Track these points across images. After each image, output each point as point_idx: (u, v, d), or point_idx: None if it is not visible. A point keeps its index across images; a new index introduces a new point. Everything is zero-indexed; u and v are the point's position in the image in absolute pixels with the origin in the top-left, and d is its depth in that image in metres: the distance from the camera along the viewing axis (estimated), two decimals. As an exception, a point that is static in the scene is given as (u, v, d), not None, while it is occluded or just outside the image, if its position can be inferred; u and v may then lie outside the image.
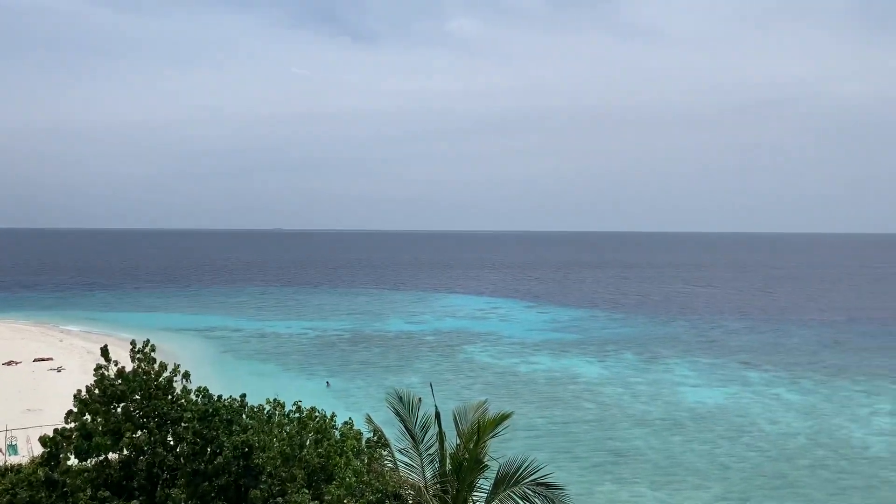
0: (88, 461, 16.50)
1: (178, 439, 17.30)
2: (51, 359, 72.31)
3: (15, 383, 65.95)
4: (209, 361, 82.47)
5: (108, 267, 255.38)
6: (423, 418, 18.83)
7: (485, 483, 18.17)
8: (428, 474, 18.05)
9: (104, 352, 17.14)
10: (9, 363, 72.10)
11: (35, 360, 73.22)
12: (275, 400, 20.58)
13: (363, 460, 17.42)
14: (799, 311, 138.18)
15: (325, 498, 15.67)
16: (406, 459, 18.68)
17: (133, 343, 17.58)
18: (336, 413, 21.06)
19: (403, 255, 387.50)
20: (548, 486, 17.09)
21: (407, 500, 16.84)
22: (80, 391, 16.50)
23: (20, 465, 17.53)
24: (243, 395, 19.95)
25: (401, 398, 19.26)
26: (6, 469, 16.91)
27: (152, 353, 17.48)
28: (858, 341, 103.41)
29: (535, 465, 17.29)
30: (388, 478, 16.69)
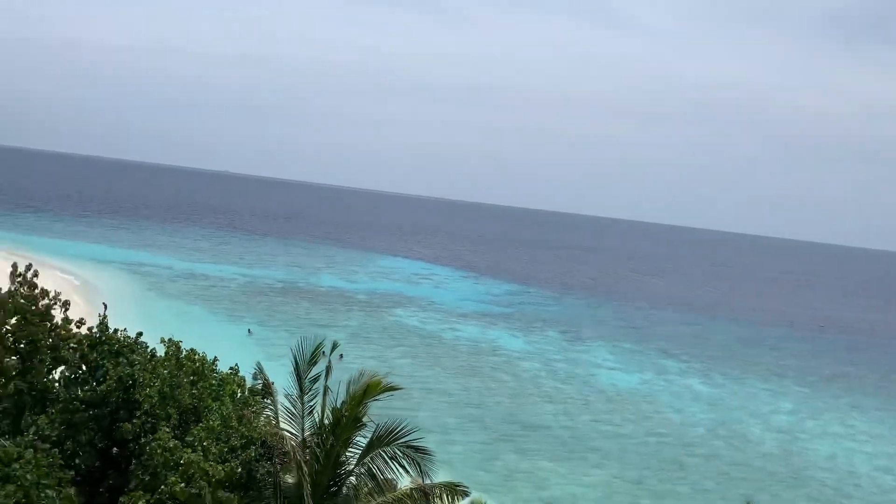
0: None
1: (62, 362, 17.09)
2: None
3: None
4: (132, 297, 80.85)
5: (33, 189, 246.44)
6: (315, 372, 18.89)
7: (361, 440, 18.53)
8: (307, 425, 18.23)
9: (-20, 271, 16.67)
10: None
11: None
12: (170, 339, 20.42)
13: (238, 406, 17.47)
14: (730, 308, 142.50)
15: (187, 438, 15.69)
16: (291, 408, 18.84)
17: (14, 266, 17.16)
18: (260, 361, 21.02)
19: (348, 214, 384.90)
20: (416, 448, 17.54)
21: (273, 449, 16.99)
22: (-55, 309, 16.06)
23: None
24: (139, 333, 19.73)
25: (303, 347, 18.87)
26: None
27: (34, 279, 17.07)
28: (775, 342, 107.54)
29: (407, 428, 17.68)
30: (254, 425, 16.79)
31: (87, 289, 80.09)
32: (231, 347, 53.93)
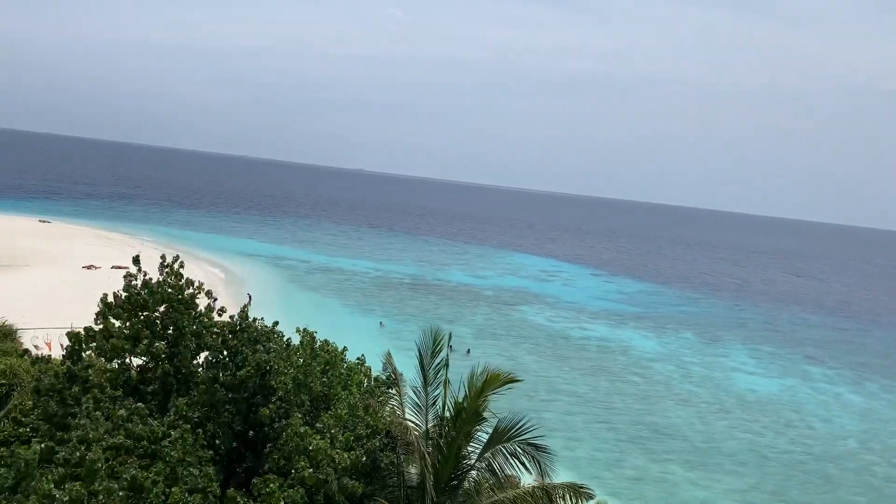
0: (114, 363, 17.57)
1: (206, 348, 18.17)
2: (126, 267, 76.23)
3: (92, 285, 69.97)
4: (274, 288, 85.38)
5: (189, 187, 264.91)
6: (438, 363, 18.98)
7: (483, 435, 18.50)
8: (430, 416, 18.43)
9: (136, 261, 18.06)
10: (89, 266, 76.45)
11: (112, 267, 77.25)
12: (304, 329, 21.33)
13: (365, 395, 17.92)
14: (891, 313, 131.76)
15: (317, 425, 16.25)
16: (415, 399, 19.13)
17: (163, 257, 18.45)
18: (390, 351, 21.54)
19: (478, 209, 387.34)
20: (536, 447, 17.30)
21: (398, 440, 17.28)
22: (106, 295, 17.51)
23: (50, 356, 18.84)
24: (276, 323, 20.71)
25: (435, 336, 18.83)
26: (38, 359, 18.20)
27: (181, 269, 18.26)
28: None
29: (528, 425, 17.46)
30: (380, 415, 17.13)
31: (234, 280, 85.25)
32: (363, 339, 55.66)
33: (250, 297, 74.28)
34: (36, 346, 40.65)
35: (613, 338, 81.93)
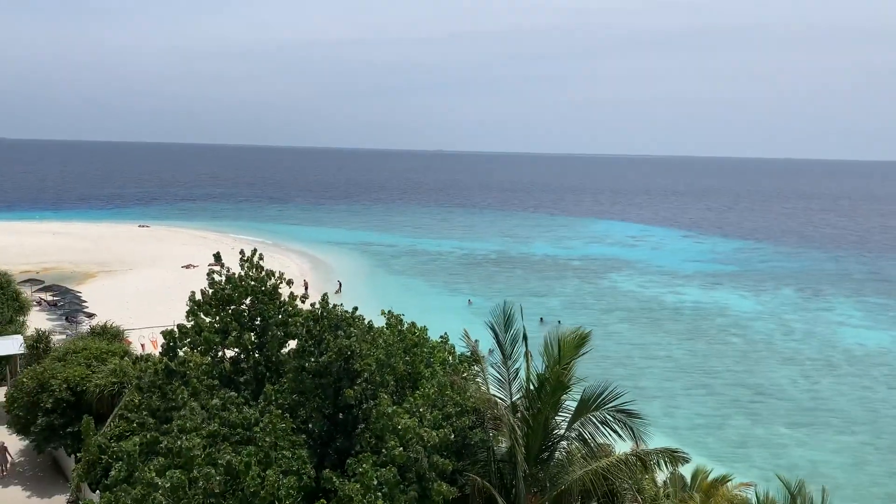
0: (207, 356, 18.38)
1: (292, 337, 18.75)
2: (197, 266, 79.19)
3: (190, 284, 73.28)
4: (363, 274, 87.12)
5: (277, 182, 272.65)
6: (513, 333, 18.84)
7: (571, 405, 18.28)
8: (514, 389, 18.41)
9: (217, 258, 18.73)
10: (187, 266, 79.95)
11: (210, 265, 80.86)
12: (389, 311, 21.69)
13: (449, 373, 18.05)
14: None
15: (404, 405, 16.50)
16: (497, 375, 19.15)
17: (241, 252, 19.07)
18: (466, 329, 21.48)
19: (562, 179, 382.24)
20: (628, 413, 16.96)
21: (485, 415, 17.34)
22: (193, 293, 18.26)
23: (151, 354, 19.87)
24: (355, 308, 21.12)
25: (505, 310, 18.70)
26: (139, 357, 19.22)
27: (260, 262, 18.83)
28: None
29: (617, 392, 17.14)
30: (468, 393, 17.20)
31: (324, 268, 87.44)
32: (452, 318, 56.17)
33: (340, 283, 76.05)
34: (143, 346, 42.88)
35: (708, 299, 79.56)
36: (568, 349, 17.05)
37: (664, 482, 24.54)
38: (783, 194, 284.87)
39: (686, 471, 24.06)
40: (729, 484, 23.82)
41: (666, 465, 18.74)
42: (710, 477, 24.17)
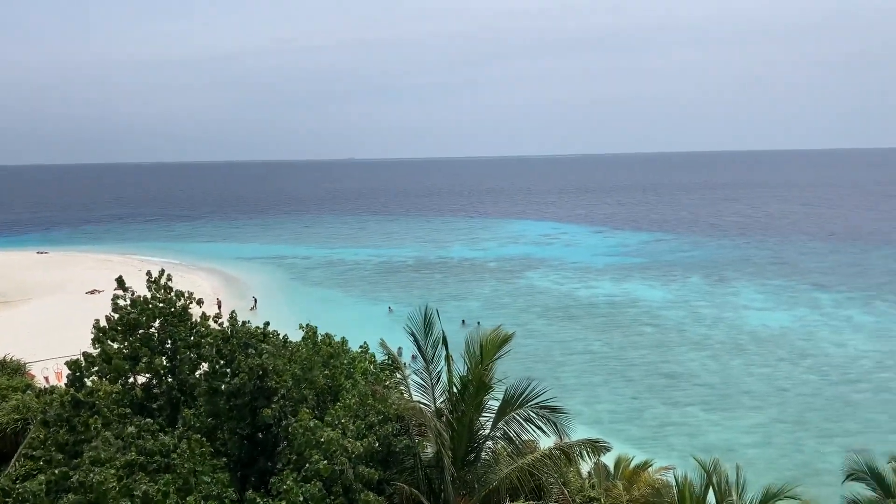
0: (117, 384, 17.61)
1: (203, 358, 18.16)
2: (101, 291, 76.20)
3: (95, 311, 70.16)
4: (278, 288, 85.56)
5: (186, 199, 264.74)
6: (433, 338, 18.84)
7: (495, 405, 18.44)
8: (437, 394, 18.42)
9: (119, 282, 18.02)
10: (91, 292, 76.54)
11: (116, 290, 77.55)
12: (307, 325, 21.31)
13: (371, 383, 17.92)
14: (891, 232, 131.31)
15: (326, 418, 16.29)
16: (420, 381, 19.11)
17: (148, 273, 18.42)
18: (383, 337, 21.32)
19: (472, 182, 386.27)
20: (551, 408, 17.26)
21: (409, 422, 17.29)
22: (98, 320, 17.49)
23: (56, 386, 18.89)
24: (267, 323, 20.64)
25: (424, 315, 18.67)
26: (43, 391, 18.26)
27: (168, 283, 18.23)
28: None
29: (539, 388, 17.42)
30: (389, 401, 17.13)
31: (238, 285, 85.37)
32: (374, 327, 55.78)
33: (255, 300, 74.42)
34: (46, 378, 40.78)
35: (620, 292, 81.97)
36: (489, 349, 17.24)
37: (588, 473, 25.13)
38: (687, 186, 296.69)
39: (609, 459, 24.68)
40: (650, 469, 24.55)
41: (589, 455, 19.16)
42: (633, 464, 24.88)
